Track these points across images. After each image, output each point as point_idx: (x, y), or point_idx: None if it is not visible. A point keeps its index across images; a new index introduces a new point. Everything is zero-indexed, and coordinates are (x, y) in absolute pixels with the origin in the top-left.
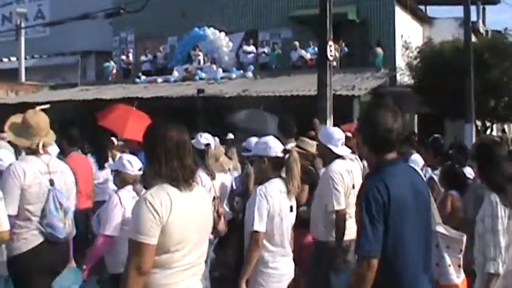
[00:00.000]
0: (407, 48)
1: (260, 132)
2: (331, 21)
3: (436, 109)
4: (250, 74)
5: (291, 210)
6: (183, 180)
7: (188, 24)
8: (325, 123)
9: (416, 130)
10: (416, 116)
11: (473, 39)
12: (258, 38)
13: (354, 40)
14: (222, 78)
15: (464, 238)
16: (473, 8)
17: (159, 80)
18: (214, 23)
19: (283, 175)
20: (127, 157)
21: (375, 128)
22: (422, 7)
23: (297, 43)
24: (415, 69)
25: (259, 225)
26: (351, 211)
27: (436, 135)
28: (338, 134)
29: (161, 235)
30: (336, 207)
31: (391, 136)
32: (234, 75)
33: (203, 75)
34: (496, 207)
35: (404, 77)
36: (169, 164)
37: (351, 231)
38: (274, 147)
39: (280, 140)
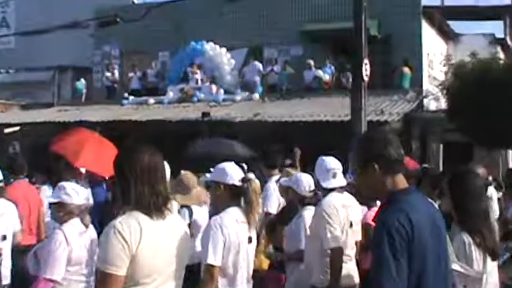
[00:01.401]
0: (432, 68)
1: (224, 155)
2: (366, 37)
3: (468, 135)
4: (257, 96)
5: (250, 241)
6: (154, 207)
7: (183, 38)
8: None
9: (441, 159)
10: (441, 144)
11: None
12: (263, 55)
13: (376, 58)
14: (224, 100)
15: (485, 276)
16: (499, 23)
17: (151, 100)
18: (213, 38)
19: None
20: (70, 185)
21: (385, 144)
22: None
23: (311, 62)
24: (447, 91)
25: (214, 259)
26: (349, 252)
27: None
28: (331, 163)
29: (130, 265)
30: (332, 245)
31: (400, 154)
32: (238, 97)
33: (202, 96)
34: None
35: (431, 100)
36: (140, 189)
37: (349, 276)
38: (232, 174)
39: (261, 171)
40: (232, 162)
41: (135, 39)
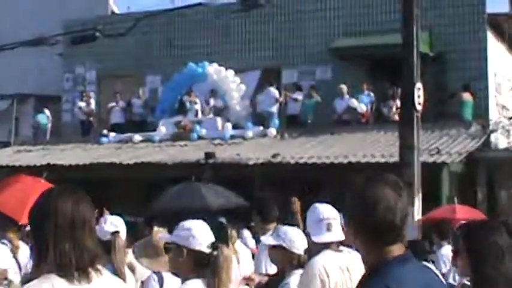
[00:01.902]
0: (501, 93)
1: (191, 208)
2: (418, 53)
3: None
4: (273, 131)
5: None
6: (77, 268)
7: (179, 58)
8: (412, 204)
9: None
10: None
11: None
12: (281, 79)
13: (427, 82)
14: (232, 137)
15: None
16: None
17: (137, 138)
18: (217, 57)
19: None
20: None
21: (372, 207)
22: None
23: (343, 87)
24: None
25: None
26: None
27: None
28: (325, 212)
29: None
30: None
31: (394, 219)
32: (250, 133)
33: (203, 132)
34: None
35: (500, 135)
36: (59, 246)
37: None
38: (200, 236)
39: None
40: (200, 221)
41: (116, 60)
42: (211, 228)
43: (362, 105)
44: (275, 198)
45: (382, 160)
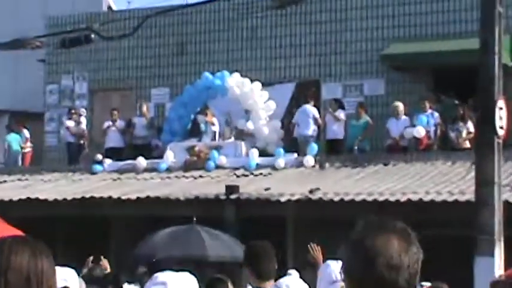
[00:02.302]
0: None
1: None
2: (500, 64)
3: None
4: (311, 160)
5: None
6: None
7: (192, 67)
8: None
9: None
10: None
11: None
12: (320, 94)
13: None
14: (259, 166)
15: None
16: None
17: (140, 166)
18: (240, 66)
19: None
20: None
21: (371, 262)
22: None
23: (399, 105)
24: None
25: None
26: None
27: None
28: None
29: None
30: None
31: (397, 278)
32: (281, 162)
33: (223, 160)
34: None
35: None
36: None
37: None
38: None
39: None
40: (184, 274)
41: (113, 68)
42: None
43: (420, 128)
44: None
45: (451, 198)
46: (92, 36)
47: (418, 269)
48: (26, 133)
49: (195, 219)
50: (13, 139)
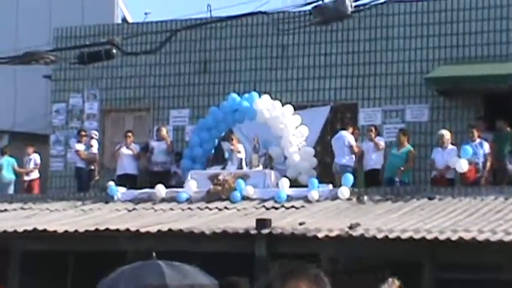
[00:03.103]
0: None
1: None
2: None
3: None
4: (347, 192)
5: None
6: None
7: (216, 87)
8: None
9: None
10: None
11: None
12: (357, 119)
13: None
14: (289, 197)
15: None
16: None
17: (159, 195)
18: (269, 88)
19: None
20: None
21: None
22: None
23: (445, 134)
24: None
25: None
26: None
27: None
28: None
29: None
30: None
31: None
32: (315, 194)
33: (250, 190)
34: None
35: None
36: None
37: None
38: None
39: None
40: None
41: (127, 87)
42: None
43: (463, 161)
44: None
45: (508, 238)
46: (114, 51)
47: None
48: (37, 158)
49: (154, 254)
50: (5, 163)
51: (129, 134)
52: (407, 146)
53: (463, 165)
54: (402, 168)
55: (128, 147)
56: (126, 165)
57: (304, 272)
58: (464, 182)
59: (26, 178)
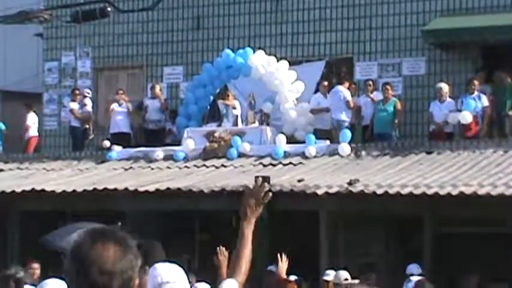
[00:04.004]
0: None
1: None
2: None
3: None
4: (346, 148)
5: None
6: None
7: (210, 43)
8: None
9: None
10: None
11: None
12: (353, 74)
13: None
14: (286, 153)
15: None
16: None
17: (156, 154)
18: (264, 43)
19: None
20: None
21: (84, 269)
22: None
23: (444, 86)
24: None
25: None
26: None
27: None
28: (164, 274)
29: None
30: None
31: (109, 283)
32: (312, 150)
33: (247, 147)
34: None
35: None
36: None
37: None
38: None
39: None
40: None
41: (120, 44)
42: None
43: (467, 113)
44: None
45: (509, 192)
46: (109, 9)
47: (134, 275)
48: (31, 115)
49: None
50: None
51: (121, 92)
52: (393, 99)
53: (467, 117)
54: (396, 121)
55: (120, 105)
56: (120, 122)
57: (112, 235)
58: (465, 135)
59: (27, 136)
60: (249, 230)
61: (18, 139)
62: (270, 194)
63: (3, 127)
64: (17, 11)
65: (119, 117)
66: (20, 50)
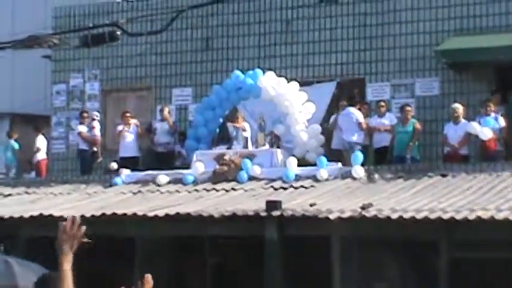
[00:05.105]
0: None
1: None
2: None
3: None
4: (360, 171)
5: None
6: None
7: (218, 65)
8: None
9: None
10: None
11: None
12: (365, 95)
13: None
14: (297, 177)
15: None
16: None
17: (164, 178)
18: (274, 64)
19: None
20: None
21: None
22: None
23: (459, 108)
24: None
25: None
26: None
27: None
28: None
29: None
30: None
31: None
32: (323, 173)
33: (257, 170)
34: None
35: None
36: None
37: None
38: None
39: None
40: None
41: (129, 66)
42: None
43: (486, 129)
44: None
45: None
46: (118, 32)
47: None
48: (40, 138)
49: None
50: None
51: (127, 115)
52: (412, 120)
53: (486, 133)
54: (411, 144)
55: (129, 129)
56: (128, 147)
57: None
58: (484, 154)
59: (36, 159)
60: (67, 264)
61: (27, 162)
62: (83, 228)
63: (16, 147)
64: (26, 36)
65: (129, 141)
66: (27, 71)
